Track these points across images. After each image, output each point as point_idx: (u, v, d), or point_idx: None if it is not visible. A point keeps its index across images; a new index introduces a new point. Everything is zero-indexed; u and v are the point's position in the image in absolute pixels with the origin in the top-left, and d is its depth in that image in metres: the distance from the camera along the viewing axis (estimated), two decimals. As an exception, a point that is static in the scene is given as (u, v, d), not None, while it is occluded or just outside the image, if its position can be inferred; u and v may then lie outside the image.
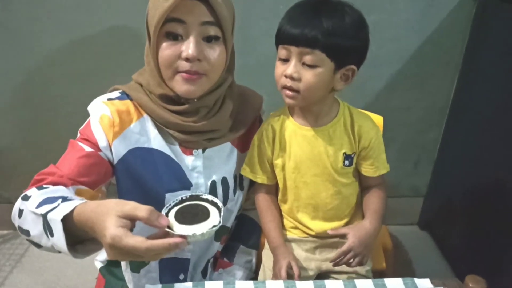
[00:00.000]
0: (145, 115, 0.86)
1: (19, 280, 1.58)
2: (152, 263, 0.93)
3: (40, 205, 0.68)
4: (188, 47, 0.77)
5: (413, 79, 1.58)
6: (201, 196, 0.72)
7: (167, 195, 0.85)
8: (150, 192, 0.85)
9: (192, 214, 0.67)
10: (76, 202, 0.65)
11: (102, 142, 0.82)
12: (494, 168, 1.39)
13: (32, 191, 0.73)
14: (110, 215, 0.59)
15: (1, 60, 1.50)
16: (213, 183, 0.91)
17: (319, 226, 0.94)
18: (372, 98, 1.60)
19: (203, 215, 0.67)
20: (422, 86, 1.60)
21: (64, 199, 0.68)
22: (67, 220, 0.63)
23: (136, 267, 0.93)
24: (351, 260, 0.85)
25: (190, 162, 0.89)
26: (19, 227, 0.73)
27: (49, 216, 0.65)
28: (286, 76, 0.81)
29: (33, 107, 1.58)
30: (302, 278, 0.83)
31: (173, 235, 0.62)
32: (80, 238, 0.68)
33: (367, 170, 0.92)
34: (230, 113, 0.90)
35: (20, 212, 0.72)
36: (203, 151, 0.90)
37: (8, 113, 1.60)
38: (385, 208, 0.93)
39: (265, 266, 0.98)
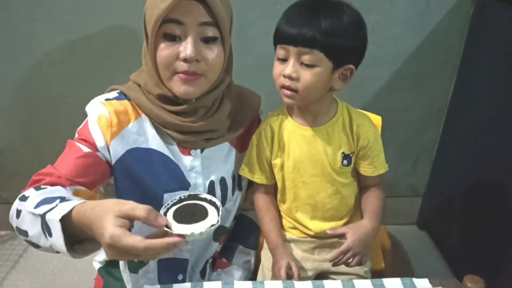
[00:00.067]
0: (143, 115, 0.86)
1: (17, 281, 1.58)
2: (151, 264, 0.93)
3: (38, 205, 0.68)
4: (186, 48, 0.76)
5: (412, 79, 1.58)
6: (199, 196, 0.72)
7: (165, 195, 0.85)
8: (148, 193, 0.85)
9: (191, 213, 0.67)
10: (75, 202, 0.66)
11: (100, 143, 0.82)
12: (492, 167, 1.39)
13: (30, 192, 0.73)
14: (108, 214, 0.59)
15: (1, 60, 1.50)
16: (212, 183, 0.91)
17: (317, 226, 0.94)
18: (370, 98, 1.60)
19: (202, 214, 0.67)
20: (421, 86, 1.60)
21: (62, 199, 0.69)
22: (65, 220, 0.63)
23: (134, 268, 0.93)
24: (350, 260, 0.85)
25: (188, 162, 0.88)
26: (17, 227, 0.73)
27: (48, 216, 0.65)
28: (284, 76, 0.81)
29: (33, 107, 1.59)
30: (300, 278, 0.83)
31: (171, 235, 0.62)
32: (79, 238, 0.68)
33: (366, 169, 0.92)
34: (228, 113, 0.90)
35: (18, 212, 0.72)
36: (201, 151, 0.90)
37: (8, 113, 1.60)
38: (383, 207, 0.93)
39: (264, 266, 0.98)
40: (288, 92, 0.83)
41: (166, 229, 0.63)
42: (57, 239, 0.64)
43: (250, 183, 0.99)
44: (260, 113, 1.02)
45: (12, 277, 1.59)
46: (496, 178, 1.37)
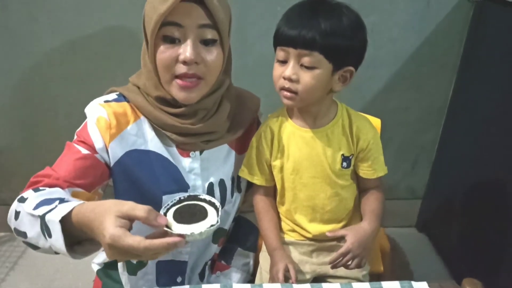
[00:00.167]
0: (142, 117, 0.86)
1: (16, 282, 1.57)
2: (149, 266, 0.92)
3: (37, 206, 0.68)
4: (186, 50, 0.76)
5: (411, 80, 1.58)
6: (199, 196, 0.73)
7: (164, 197, 0.85)
8: (147, 194, 0.85)
9: (190, 213, 0.68)
10: (74, 203, 0.66)
11: (98, 144, 0.81)
12: (492, 168, 1.39)
13: (28, 193, 0.73)
14: (108, 215, 0.59)
15: (1, 60, 1.50)
16: (211, 185, 0.90)
17: (316, 228, 0.94)
18: (370, 99, 1.60)
19: (201, 214, 0.67)
20: (420, 87, 1.60)
21: (62, 200, 0.69)
22: (65, 221, 0.63)
23: (133, 270, 0.93)
24: (349, 262, 0.85)
25: (187, 164, 0.88)
26: (15, 229, 0.73)
27: (47, 217, 0.65)
28: (284, 78, 0.81)
29: (32, 107, 1.58)
30: (298, 281, 0.83)
31: (171, 235, 0.62)
32: (78, 238, 0.68)
33: (365, 172, 0.92)
34: (228, 115, 0.90)
35: (17, 214, 0.72)
36: (201, 153, 0.90)
37: (8, 113, 1.59)
38: (383, 210, 0.93)
39: (262, 269, 0.98)
40: (288, 94, 0.82)
41: (166, 229, 0.63)
42: (57, 240, 0.64)
43: (250, 185, 0.99)
44: (259, 115, 1.02)
45: (11, 279, 1.58)
46: (496, 179, 1.37)
